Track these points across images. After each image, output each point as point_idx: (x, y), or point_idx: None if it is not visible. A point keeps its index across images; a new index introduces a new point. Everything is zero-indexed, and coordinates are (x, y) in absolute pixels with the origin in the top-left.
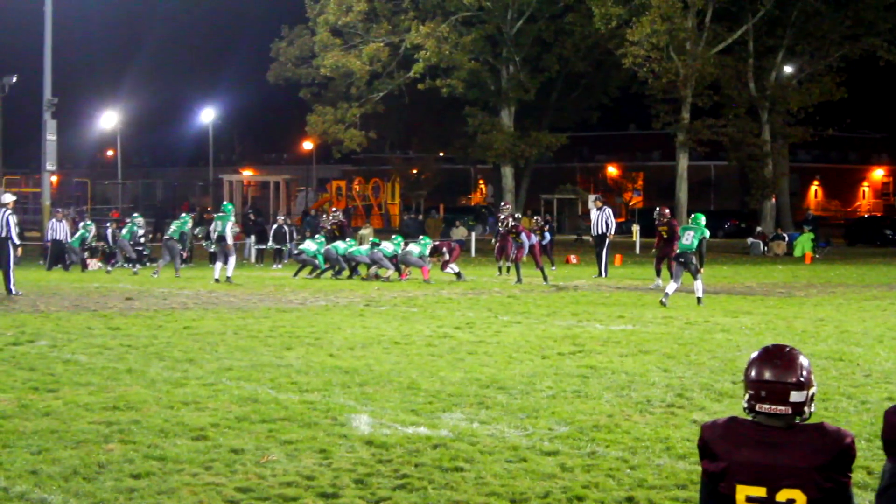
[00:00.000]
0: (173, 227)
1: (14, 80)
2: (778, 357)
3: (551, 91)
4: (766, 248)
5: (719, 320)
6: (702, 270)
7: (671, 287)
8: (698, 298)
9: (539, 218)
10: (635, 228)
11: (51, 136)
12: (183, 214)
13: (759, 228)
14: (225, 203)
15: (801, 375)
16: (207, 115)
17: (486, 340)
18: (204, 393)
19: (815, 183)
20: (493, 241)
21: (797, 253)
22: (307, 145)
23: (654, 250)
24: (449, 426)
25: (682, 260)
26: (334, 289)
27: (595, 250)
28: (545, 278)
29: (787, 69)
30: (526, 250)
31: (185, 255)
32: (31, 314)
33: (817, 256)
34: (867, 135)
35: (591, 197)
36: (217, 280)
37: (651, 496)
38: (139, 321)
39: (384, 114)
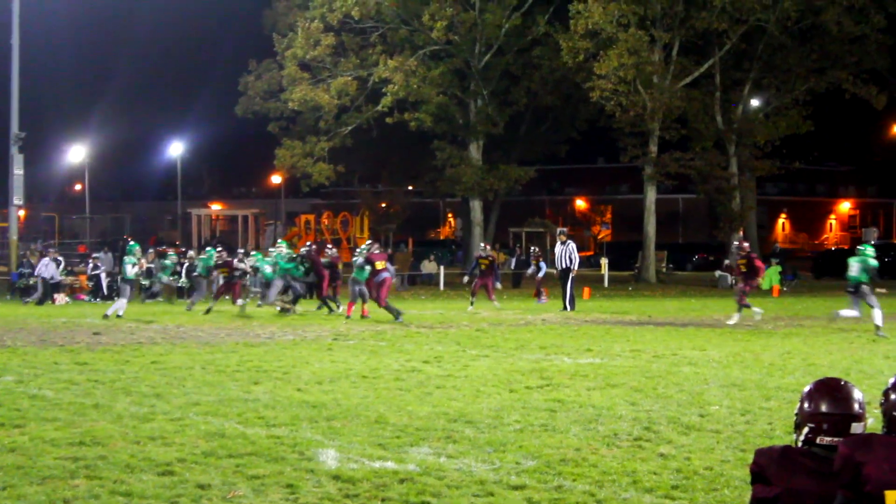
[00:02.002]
0: (199, 263)
1: None
2: (837, 390)
3: (520, 124)
4: (734, 281)
5: (687, 353)
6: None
7: (852, 314)
8: (877, 327)
9: (536, 249)
10: (604, 262)
11: (18, 171)
12: (208, 249)
13: (726, 261)
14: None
15: (860, 407)
16: (176, 149)
17: (454, 374)
18: (171, 428)
19: (783, 216)
20: (467, 277)
21: (765, 286)
22: (276, 179)
23: (734, 282)
24: (416, 460)
25: (851, 290)
26: (302, 323)
27: (560, 284)
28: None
29: (754, 102)
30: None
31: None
32: None
33: (785, 289)
34: (834, 168)
35: (558, 230)
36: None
37: None
38: (106, 356)
39: (353, 147)
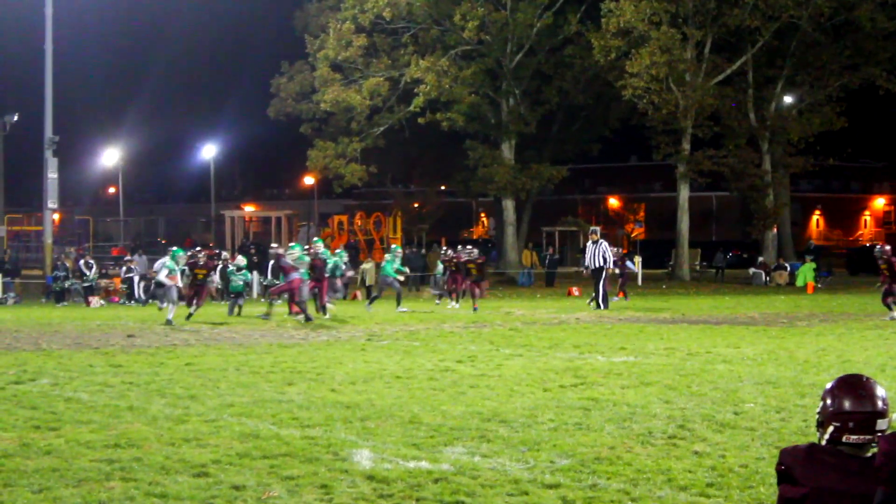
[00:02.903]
0: (331, 263)
1: (15, 118)
2: (861, 387)
3: (552, 123)
4: (768, 279)
5: (721, 351)
6: None
7: None
8: None
9: (619, 250)
10: (637, 260)
11: (52, 174)
12: (337, 251)
13: (760, 259)
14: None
15: (885, 404)
16: (209, 151)
17: (488, 374)
18: (205, 429)
19: (817, 212)
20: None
21: (799, 283)
22: (308, 180)
23: (879, 286)
24: (450, 460)
25: None
26: (335, 324)
27: (593, 283)
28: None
29: (787, 99)
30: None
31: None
32: (32, 352)
33: (819, 286)
34: (868, 164)
35: (590, 229)
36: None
37: None
38: (141, 358)
39: (385, 148)
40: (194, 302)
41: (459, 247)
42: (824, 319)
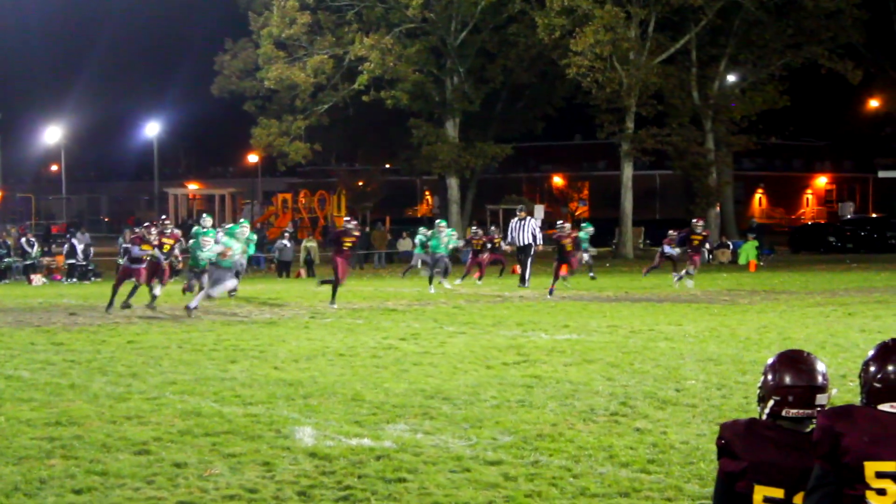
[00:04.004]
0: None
1: None
2: (801, 362)
3: (496, 102)
4: (710, 257)
5: (663, 329)
6: None
7: None
8: None
9: (672, 232)
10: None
11: None
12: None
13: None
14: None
15: (825, 379)
16: (152, 129)
17: (431, 351)
18: (147, 407)
19: (759, 191)
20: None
21: (741, 261)
22: (252, 158)
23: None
24: (393, 437)
25: None
26: (279, 302)
27: (518, 259)
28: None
29: (731, 78)
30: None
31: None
32: None
33: (761, 264)
34: (810, 143)
35: (518, 208)
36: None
37: None
38: (83, 336)
39: (329, 126)
40: (155, 282)
41: (493, 228)
42: (766, 297)
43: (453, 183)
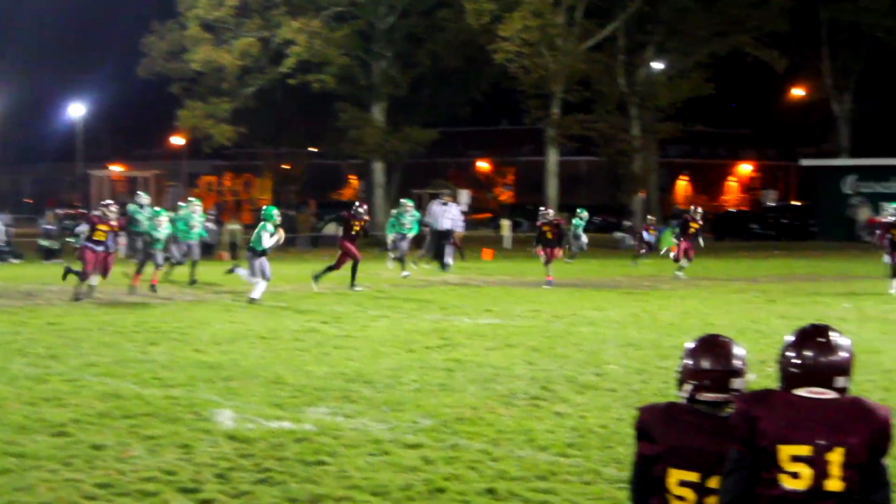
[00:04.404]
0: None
1: None
2: (717, 346)
3: (423, 86)
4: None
5: (586, 314)
6: None
7: None
8: None
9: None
10: (506, 223)
11: None
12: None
13: (627, 223)
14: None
15: (740, 363)
16: (76, 110)
17: (353, 335)
18: (66, 389)
19: (684, 178)
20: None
21: (661, 247)
22: (178, 140)
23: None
24: (313, 420)
25: None
26: (202, 284)
27: (438, 243)
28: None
29: (657, 65)
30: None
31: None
32: None
33: None
34: (735, 130)
35: (441, 192)
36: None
37: (512, 488)
38: (2, 317)
39: (255, 109)
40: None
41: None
42: (688, 283)
43: (379, 167)
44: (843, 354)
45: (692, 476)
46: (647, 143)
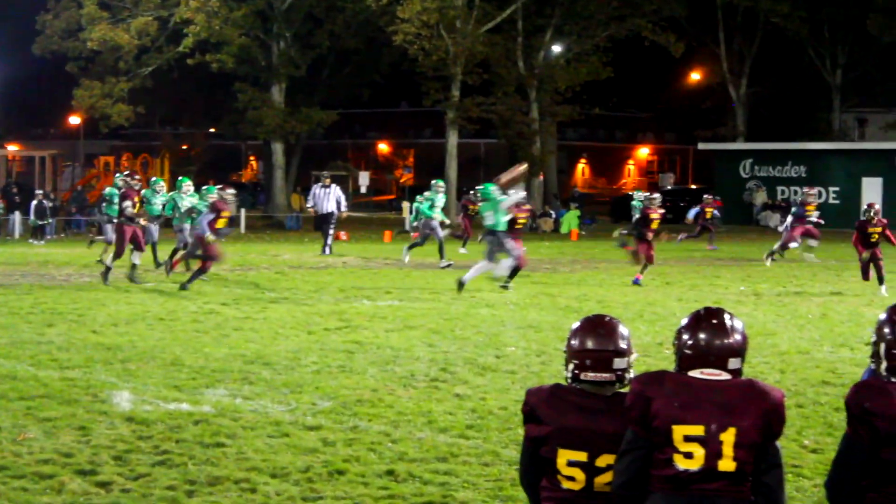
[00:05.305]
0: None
1: None
2: (600, 326)
3: (322, 67)
4: (534, 225)
5: (485, 296)
6: None
7: None
8: None
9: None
10: (406, 205)
11: None
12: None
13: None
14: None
15: (623, 343)
16: None
17: (253, 316)
18: None
19: (583, 161)
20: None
21: (563, 229)
22: (74, 120)
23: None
24: (211, 402)
25: None
26: (99, 264)
27: (320, 227)
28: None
29: (556, 48)
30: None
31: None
32: None
33: (583, 233)
34: (633, 114)
35: (322, 174)
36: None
37: (411, 469)
38: None
39: (153, 88)
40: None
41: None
42: (587, 266)
43: (278, 148)
44: (736, 337)
45: (580, 456)
46: (546, 126)
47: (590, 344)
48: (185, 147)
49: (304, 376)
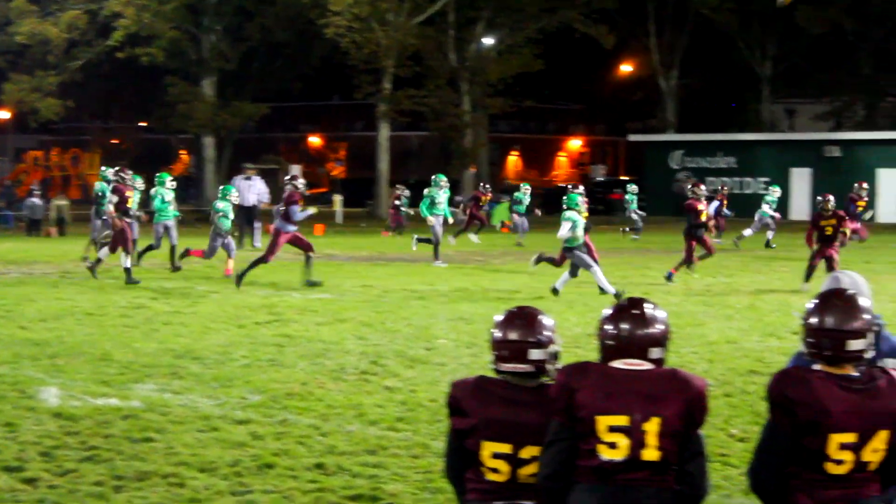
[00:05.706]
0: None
1: None
2: (519, 317)
3: (253, 61)
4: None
5: (416, 288)
6: None
7: None
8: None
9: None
10: (337, 199)
11: None
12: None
13: (458, 198)
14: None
15: (541, 334)
16: None
17: (183, 311)
18: None
19: (515, 153)
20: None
21: (495, 222)
22: (3, 114)
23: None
24: (140, 397)
25: None
26: (28, 260)
27: (243, 220)
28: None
29: (487, 41)
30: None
31: None
32: None
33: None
34: (565, 106)
35: (244, 165)
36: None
37: (341, 462)
38: None
39: (83, 82)
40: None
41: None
42: (518, 257)
43: (209, 142)
44: (658, 326)
45: (505, 448)
46: (478, 118)
47: (507, 335)
48: (115, 141)
49: (233, 370)
